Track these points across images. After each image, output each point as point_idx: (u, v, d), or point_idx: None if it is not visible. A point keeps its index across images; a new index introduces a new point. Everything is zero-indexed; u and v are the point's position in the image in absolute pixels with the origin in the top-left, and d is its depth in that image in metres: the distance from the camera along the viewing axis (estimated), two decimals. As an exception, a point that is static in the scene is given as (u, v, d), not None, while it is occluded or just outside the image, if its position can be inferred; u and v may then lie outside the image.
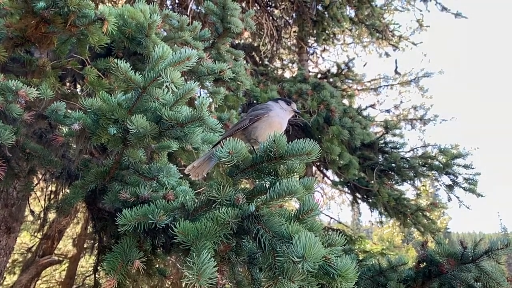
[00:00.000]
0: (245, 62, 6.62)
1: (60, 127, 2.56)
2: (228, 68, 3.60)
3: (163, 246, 2.06)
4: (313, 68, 13.30)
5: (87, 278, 13.35)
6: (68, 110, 2.43)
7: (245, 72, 4.80)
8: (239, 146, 1.73)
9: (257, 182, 1.84)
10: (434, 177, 6.50)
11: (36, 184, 3.64)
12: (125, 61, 2.09)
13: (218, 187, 1.74)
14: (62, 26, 2.58)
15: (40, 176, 3.36)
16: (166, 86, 1.90)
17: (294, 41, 12.19)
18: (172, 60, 1.94)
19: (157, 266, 2.56)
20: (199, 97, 2.10)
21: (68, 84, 3.97)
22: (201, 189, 2.95)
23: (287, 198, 1.64)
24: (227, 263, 1.86)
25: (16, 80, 2.13)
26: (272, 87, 6.76)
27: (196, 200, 1.87)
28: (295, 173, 1.79)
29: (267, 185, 1.77)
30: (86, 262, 14.00)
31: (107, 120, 2.00)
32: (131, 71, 1.98)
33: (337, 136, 6.01)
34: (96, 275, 3.29)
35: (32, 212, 4.33)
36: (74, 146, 2.48)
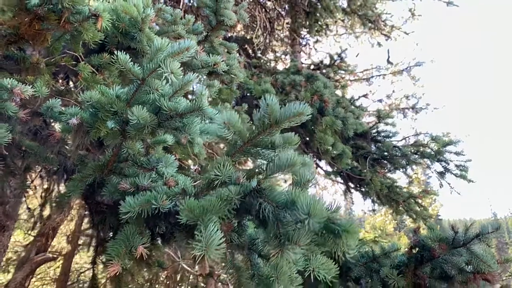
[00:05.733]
0: (238, 55, 6.63)
1: (55, 124, 2.58)
2: (222, 61, 3.62)
3: (163, 236, 2.11)
4: (305, 59, 13.31)
5: (82, 274, 13.42)
6: (61, 107, 2.46)
7: (238, 65, 4.83)
8: (235, 117, 1.79)
9: (255, 162, 1.90)
10: (426, 165, 6.60)
11: (32, 182, 3.66)
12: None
13: (219, 166, 1.80)
14: (56, 23, 2.59)
15: (35, 173, 3.39)
16: (166, 77, 1.94)
17: (287, 32, 12.19)
18: (171, 51, 1.98)
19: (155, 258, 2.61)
20: (193, 91, 2.15)
21: (60, 81, 3.98)
22: (197, 182, 3.00)
23: (286, 171, 1.70)
24: (229, 245, 1.91)
25: (11, 78, 2.15)
26: (266, 79, 6.80)
27: (198, 181, 1.92)
28: (291, 144, 1.84)
29: (264, 166, 1.82)
30: (81, 259, 14.04)
31: (106, 113, 2.03)
32: (130, 62, 2.02)
33: (330, 127, 6.07)
34: (94, 268, 3.33)
35: (28, 209, 4.35)
36: (70, 142, 2.51)
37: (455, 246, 3.03)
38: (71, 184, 2.22)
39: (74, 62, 3.05)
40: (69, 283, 11.72)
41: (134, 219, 1.80)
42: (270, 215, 1.61)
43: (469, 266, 3.02)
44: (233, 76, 4.70)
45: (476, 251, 2.94)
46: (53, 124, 2.62)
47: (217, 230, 1.47)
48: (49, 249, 9.68)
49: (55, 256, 10.32)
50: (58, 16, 2.56)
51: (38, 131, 2.77)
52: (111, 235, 2.54)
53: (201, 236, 1.43)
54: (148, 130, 2.04)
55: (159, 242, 2.20)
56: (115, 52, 2.03)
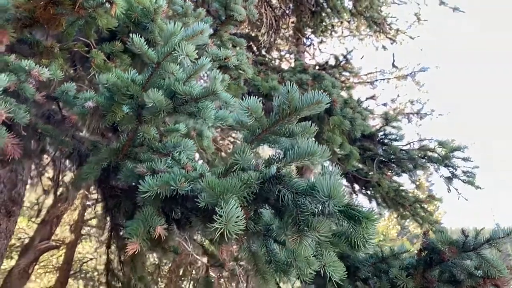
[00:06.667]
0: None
1: (68, 109, 2.55)
2: (233, 55, 3.60)
3: (178, 222, 2.09)
4: (309, 60, 13.24)
5: (84, 264, 13.45)
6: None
7: (247, 60, 4.80)
8: (257, 103, 1.77)
9: (272, 152, 1.88)
10: (434, 169, 6.57)
11: (47, 164, 3.62)
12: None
13: (239, 151, 1.79)
14: (70, 8, 2.57)
15: (47, 159, 3.35)
16: (180, 61, 1.92)
17: (291, 32, 12.13)
18: (185, 34, 1.98)
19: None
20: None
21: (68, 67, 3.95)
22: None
23: (306, 159, 1.68)
24: (245, 232, 1.90)
25: (29, 60, 2.13)
26: (273, 76, 6.77)
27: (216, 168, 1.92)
28: (309, 133, 1.83)
29: (281, 155, 1.81)
30: (83, 249, 14.06)
31: (122, 96, 2.02)
32: (146, 45, 2.00)
33: (338, 126, 6.02)
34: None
35: (45, 191, 4.33)
36: (84, 127, 2.48)
37: (465, 250, 2.99)
38: (87, 166, 2.21)
39: (86, 49, 3.03)
40: (71, 272, 11.77)
41: (152, 200, 1.79)
42: (289, 202, 1.61)
43: (478, 271, 2.98)
44: (241, 71, 4.67)
45: (487, 256, 2.91)
46: (65, 110, 2.58)
47: (237, 206, 1.47)
48: (52, 238, 9.70)
49: (58, 244, 10.35)
50: (72, 1, 2.54)
51: (51, 116, 2.73)
52: (125, 220, 2.53)
53: (222, 211, 1.43)
54: (164, 114, 2.04)
55: (174, 228, 2.18)
56: (130, 36, 2.01)
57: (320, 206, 1.51)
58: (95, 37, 3.00)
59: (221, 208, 1.45)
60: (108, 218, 2.80)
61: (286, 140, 1.84)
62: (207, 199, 1.61)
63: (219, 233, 1.39)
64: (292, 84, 1.72)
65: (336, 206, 1.43)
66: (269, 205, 1.82)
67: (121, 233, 2.81)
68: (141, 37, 3.43)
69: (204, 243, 4.08)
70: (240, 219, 1.43)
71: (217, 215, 1.43)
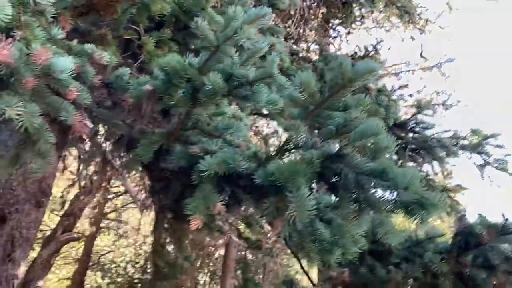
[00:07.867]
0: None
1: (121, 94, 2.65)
2: (279, 43, 3.66)
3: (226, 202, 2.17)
4: (336, 51, 13.08)
5: (102, 256, 13.84)
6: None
7: (284, 49, 4.86)
8: (311, 78, 1.81)
9: (323, 128, 1.91)
10: (466, 157, 6.51)
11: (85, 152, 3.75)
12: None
13: (294, 127, 1.81)
14: (129, -6, 2.67)
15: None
16: (241, 44, 1.99)
17: (319, 23, 12.00)
18: (247, 18, 2.04)
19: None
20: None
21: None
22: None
23: (370, 139, 1.69)
24: None
25: (91, 45, 2.25)
26: (306, 66, 6.78)
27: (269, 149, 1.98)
28: (363, 106, 1.84)
29: (334, 129, 1.81)
30: (101, 241, 14.41)
31: (180, 79, 2.10)
32: (209, 29, 2.08)
33: (374, 114, 6.01)
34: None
35: (96, 172, 4.46)
36: (138, 111, 2.59)
37: (504, 233, 2.98)
38: (141, 149, 2.30)
39: (136, 36, 3.15)
40: (90, 264, 12.11)
41: (208, 179, 1.86)
42: (351, 181, 1.64)
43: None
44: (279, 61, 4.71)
45: (527, 239, 2.90)
46: (116, 95, 2.70)
47: (308, 195, 1.52)
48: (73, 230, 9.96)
49: (79, 236, 10.62)
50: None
51: (101, 101, 2.84)
52: (171, 202, 2.61)
53: (294, 197, 1.49)
54: (219, 97, 2.11)
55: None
56: (195, 18, 2.09)
57: (389, 192, 1.56)
58: (146, 24, 3.10)
59: (291, 192, 1.51)
60: (156, 201, 2.89)
61: (341, 114, 1.83)
62: (265, 178, 1.67)
63: (291, 218, 1.46)
64: (345, 57, 1.76)
65: (410, 197, 1.48)
66: (324, 182, 1.85)
67: (168, 215, 2.90)
68: (185, 27, 3.53)
69: (239, 226, 4.16)
70: (312, 206, 1.49)
71: (287, 198, 1.49)
